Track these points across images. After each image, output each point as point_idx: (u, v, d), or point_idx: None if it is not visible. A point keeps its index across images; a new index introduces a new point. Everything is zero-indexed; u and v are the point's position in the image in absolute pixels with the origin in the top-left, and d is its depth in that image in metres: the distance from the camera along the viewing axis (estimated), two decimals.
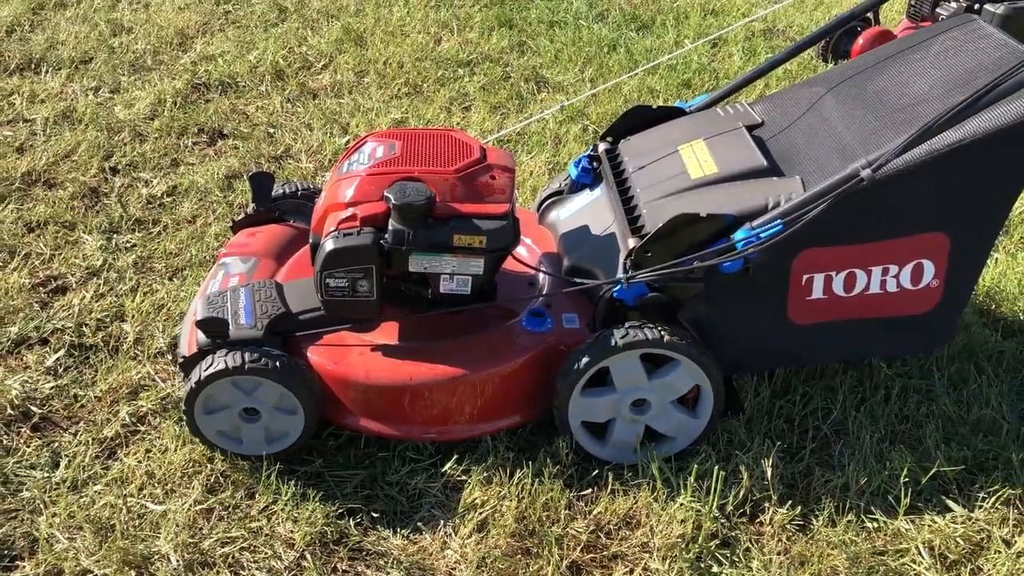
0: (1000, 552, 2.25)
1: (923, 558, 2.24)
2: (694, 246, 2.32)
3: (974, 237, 2.42)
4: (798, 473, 2.47)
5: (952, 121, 2.17)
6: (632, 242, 2.41)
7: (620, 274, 2.41)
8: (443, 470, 2.46)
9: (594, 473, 2.46)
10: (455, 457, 2.47)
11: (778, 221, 2.26)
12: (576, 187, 2.96)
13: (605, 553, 2.29)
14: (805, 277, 2.39)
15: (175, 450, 2.49)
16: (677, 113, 2.93)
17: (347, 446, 2.53)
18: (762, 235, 2.26)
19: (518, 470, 2.41)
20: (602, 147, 2.89)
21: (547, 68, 4.70)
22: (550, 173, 3.74)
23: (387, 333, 2.49)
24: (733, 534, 2.31)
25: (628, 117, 2.92)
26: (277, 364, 2.30)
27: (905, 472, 2.40)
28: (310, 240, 2.45)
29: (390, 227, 2.28)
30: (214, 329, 2.35)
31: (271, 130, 4.12)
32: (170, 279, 3.17)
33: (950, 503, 2.39)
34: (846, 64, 2.79)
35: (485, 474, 2.42)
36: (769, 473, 2.41)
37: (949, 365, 2.80)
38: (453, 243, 2.29)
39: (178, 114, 4.17)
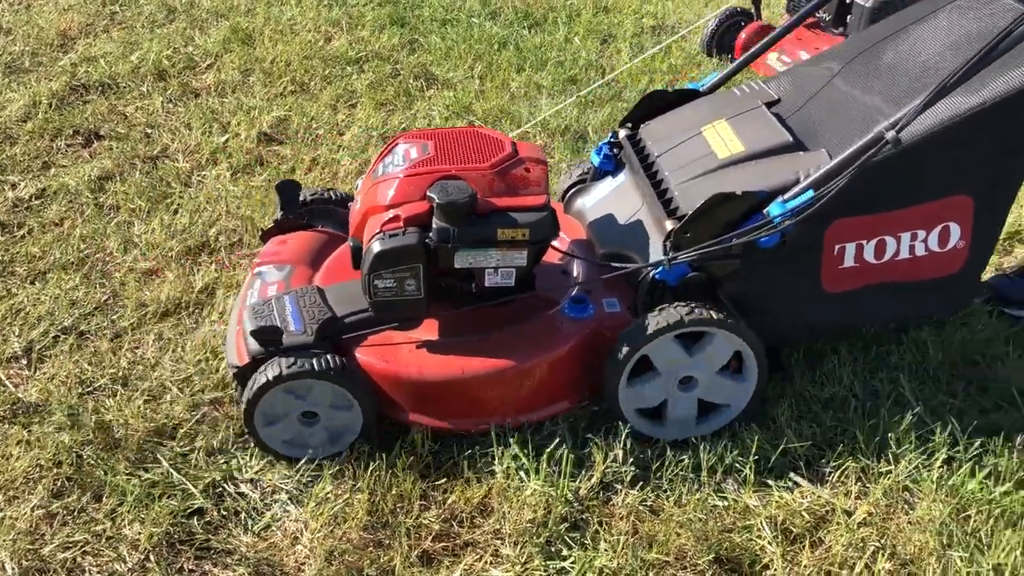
0: (841, 523, 2.31)
1: (767, 532, 2.29)
2: (730, 224, 2.37)
3: (996, 197, 2.51)
4: (653, 455, 2.50)
5: (967, 75, 2.22)
6: (670, 224, 2.45)
7: (657, 256, 2.46)
8: (297, 467, 2.43)
9: (449, 463, 2.46)
10: (309, 452, 2.45)
11: (809, 191, 2.31)
12: (599, 175, 2.98)
13: (457, 541, 2.29)
14: (837, 247, 2.47)
15: (18, 456, 2.42)
16: (692, 95, 2.97)
17: (197, 449, 2.50)
18: (794, 206, 2.31)
19: (372, 463, 2.40)
20: (623, 133, 2.94)
21: (437, 65, 4.69)
22: None
23: (430, 330, 2.52)
24: (584, 517, 2.33)
25: (645, 102, 2.95)
26: (333, 366, 2.31)
27: (755, 449, 2.45)
28: (350, 244, 2.49)
29: (434, 226, 2.32)
30: (269, 337, 2.35)
31: (149, 130, 4.04)
32: (31, 283, 3.08)
33: (798, 479, 2.45)
34: (855, 38, 2.84)
35: (338, 467, 2.40)
36: (621, 456, 2.44)
37: (806, 346, 2.87)
38: (497, 237, 2.33)
39: (53, 116, 4.07)
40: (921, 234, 2.49)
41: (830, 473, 2.45)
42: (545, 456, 2.40)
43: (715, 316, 2.36)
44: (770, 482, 2.43)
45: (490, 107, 4.24)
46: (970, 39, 2.44)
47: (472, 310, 2.49)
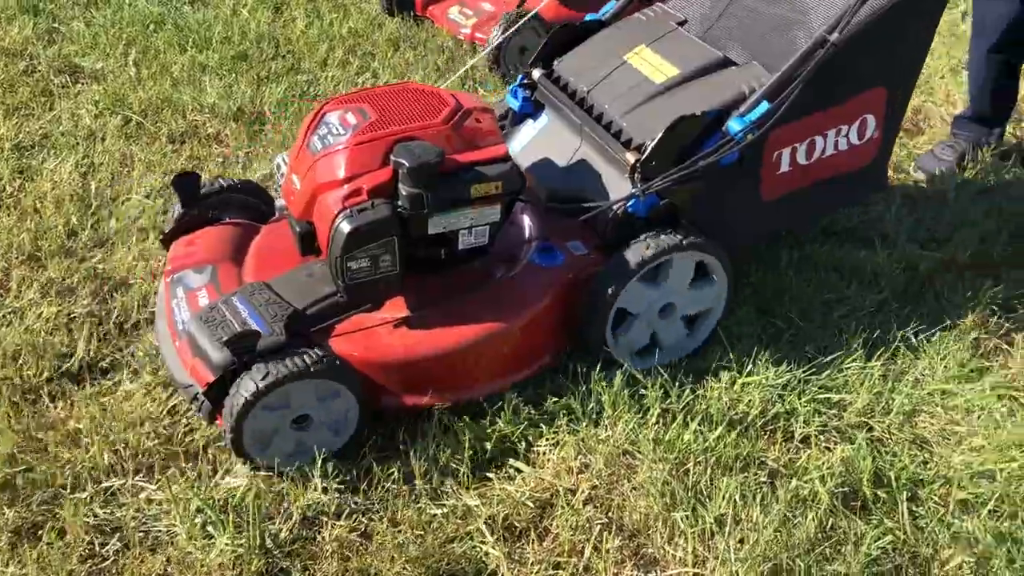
0: (565, 507, 2.16)
1: (488, 536, 2.09)
2: (686, 147, 2.39)
3: (903, 85, 2.71)
4: (361, 474, 2.23)
5: None
6: (630, 156, 2.41)
7: (618, 191, 2.46)
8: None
9: (116, 535, 2.06)
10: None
11: (763, 103, 2.36)
12: (518, 119, 2.86)
13: None
14: (775, 154, 2.52)
15: None
16: (596, 28, 2.90)
17: None
18: (754, 119, 2.34)
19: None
20: (537, 74, 2.83)
21: (83, 56, 4.07)
22: (83, 178, 3.21)
23: (397, 307, 2.33)
24: (285, 564, 2.03)
25: (553, 39, 2.86)
26: (323, 362, 2.10)
27: (469, 443, 2.25)
28: (296, 229, 2.30)
29: (403, 193, 2.17)
30: (247, 343, 2.08)
31: None
32: None
33: (519, 465, 2.27)
34: None
35: None
36: (320, 485, 2.15)
37: None
38: (471, 195, 2.22)
39: None
40: (844, 128, 2.61)
41: (549, 451, 2.30)
42: (231, 508, 2.07)
43: (681, 241, 2.39)
44: (490, 475, 2.24)
45: (148, 96, 3.72)
46: None
47: (433, 278, 2.36)
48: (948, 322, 2.73)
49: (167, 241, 2.58)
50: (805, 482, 2.21)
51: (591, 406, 2.37)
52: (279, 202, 2.54)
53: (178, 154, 3.42)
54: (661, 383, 2.40)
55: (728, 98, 2.46)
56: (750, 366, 2.49)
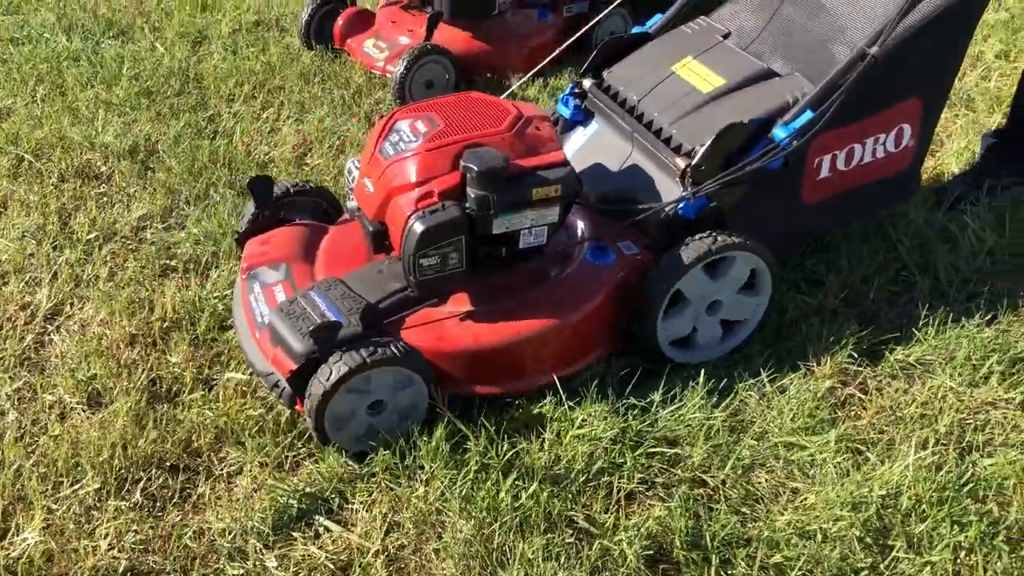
0: (360, 569, 2.10)
1: None
2: (733, 152, 2.52)
3: (937, 96, 2.84)
4: (165, 528, 2.17)
5: None
6: (680, 161, 2.57)
7: (668, 194, 2.61)
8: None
9: None
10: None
11: (807, 111, 2.50)
12: (569, 126, 2.99)
13: None
14: (816, 160, 2.66)
15: None
16: (644, 39, 3.04)
17: None
18: (798, 127, 2.48)
19: None
20: (587, 83, 2.98)
21: None
22: None
23: (461, 302, 2.49)
24: None
25: (603, 50, 2.98)
26: (397, 350, 2.25)
27: (271, 501, 2.19)
28: (369, 229, 2.44)
29: (471, 195, 2.31)
30: (329, 333, 2.24)
31: None
32: None
33: (328, 523, 2.21)
34: None
35: None
36: (109, 545, 2.10)
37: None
38: (532, 197, 2.36)
39: None
40: (882, 137, 2.73)
41: (362, 509, 2.24)
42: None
43: (737, 240, 2.52)
44: (295, 534, 2.19)
45: (44, 135, 3.72)
46: None
47: (492, 276, 2.51)
48: (805, 368, 2.64)
49: (242, 240, 2.75)
50: (614, 543, 2.13)
51: (409, 461, 2.31)
52: (350, 204, 2.66)
53: (61, 193, 3.41)
54: (487, 435, 2.34)
55: (773, 107, 2.61)
56: (583, 416, 2.42)
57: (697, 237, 2.51)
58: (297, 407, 2.33)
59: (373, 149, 2.47)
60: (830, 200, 2.78)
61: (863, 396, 2.58)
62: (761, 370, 2.62)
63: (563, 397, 2.46)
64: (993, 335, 2.71)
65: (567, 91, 3.03)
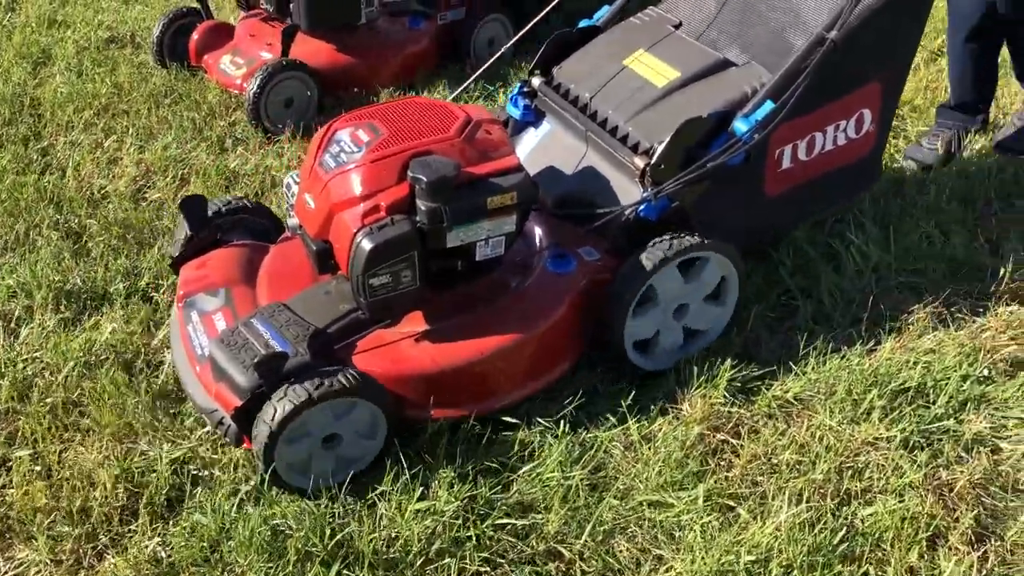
0: None
1: None
2: (692, 149, 2.42)
3: (896, 79, 2.78)
4: None
5: None
6: (639, 161, 2.45)
7: (627, 195, 2.49)
8: None
9: None
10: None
11: (768, 102, 2.41)
12: (519, 127, 2.85)
13: None
14: (778, 151, 2.57)
15: None
16: (593, 32, 2.90)
17: None
18: (760, 119, 2.39)
19: None
20: (536, 81, 2.84)
21: None
22: None
23: (415, 321, 2.33)
24: None
25: (552, 46, 2.84)
26: (350, 380, 2.07)
27: None
28: (313, 248, 2.27)
29: (421, 208, 2.17)
30: (275, 364, 2.06)
31: None
32: None
33: None
34: None
35: None
36: None
37: None
38: (488, 207, 2.21)
39: None
40: (843, 124, 2.66)
41: None
42: None
43: (704, 240, 2.41)
44: None
45: None
46: None
47: (448, 291, 2.36)
48: (675, 412, 2.42)
49: (177, 265, 2.56)
50: None
51: (223, 551, 2.02)
52: (291, 221, 2.48)
53: None
54: (312, 519, 2.06)
55: (731, 98, 2.50)
56: (422, 489, 2.15)
57: (663, 238, 2.41)
58: (245, 444, 2.16)
59: (313, 162, 2.30)
60: (793, 191, 2.69)
61: (736, 442, 2.36)
62: (628, 415, 2.40)
63: (404, 465, 2.19)
64: (875, 365, 2.52)
65: (515, 90, 2.87)
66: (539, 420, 2.38)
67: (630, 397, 2.44)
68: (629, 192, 2.53)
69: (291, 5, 3.90)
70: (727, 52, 2.68)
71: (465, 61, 4.27)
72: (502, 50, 3.44)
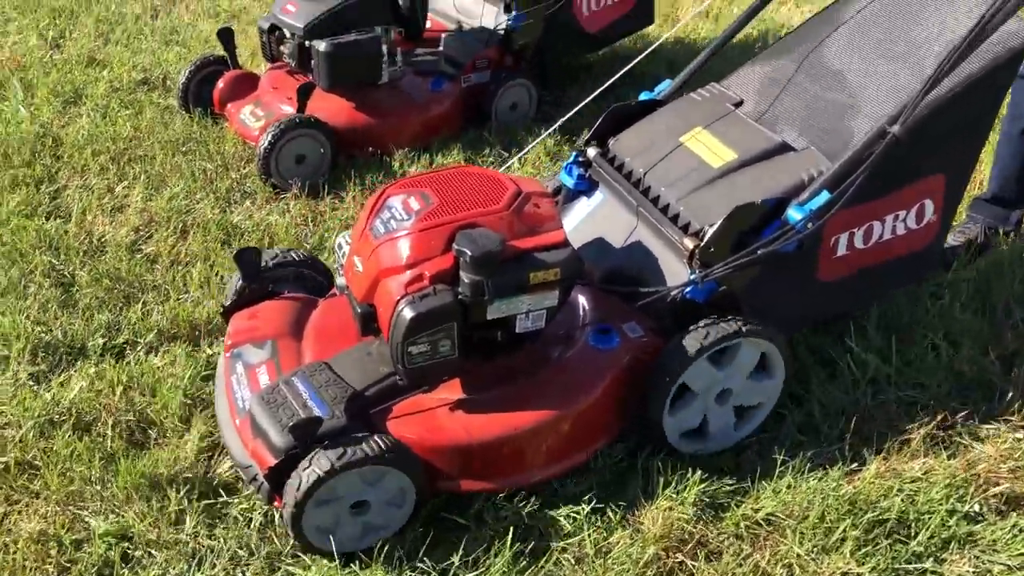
0: None
1: None
2: (744, 233, 2.38)
3: (962, 172, 2.69)
4: None
5: (954, 67, 2.33)
6: (689, 242, 2.42)
7: (675, 275, 2.47)
8: None
9: None
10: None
11: (824, 192, 2.36)
12: (571, 196, 2.86)
13: None
14: (833, 239, 2.52)
15: None
16: (652, 106, 2.90)
17: None
18: (815, 208, 2.33)
19: None
20: (592, 152, 2.84)
21: None
22: None
23: (453, 389, 2.33)
24: None
25: (609, 118, 2.85)
26: (383, 447, 2.09)
27: None
28: (358, 310, 2.32)
29: (465, 280, 2.17)
30: (310, 428, 2.09)
31: None
32: None
33: None
34: (797, 36, 2.86)
35: None
36: None
37: None
38: (530, 282, 2.22)
39: None
40: (902, 214, 2.61)
41: None
42: None
43: (741, 327, 2.36)
44: None
45: None
46: (935, 26, 2.58)
47: (487, 361, 2.36)
48: (635, 524, 2.30)
49: (228, 314, 2.60)
50: None
51: None
52: (339, 280, 2.52)
53: None
54: None
55: (787, 185, 2.46)
56: None
57: (699, 325, 2.35)
58: (276, 503, 2.18)
59: (364, 226, 2.33)
60: (848, 278, 2.64)
61: (693, 563, 2.22)
62: (586, 524, 2.28)
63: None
64: (855, 489, 2.36)
65: (571, 159, 2.87)
66: (489, 521, 2.28)
67: (591, 504, 2.33)
68: (677, 272, 2.50)
69: (312, 62, 3.91)
70: (786, 134, 2.65)
71: (486, 124, 4.23)
72: (578, 107, 3.44)
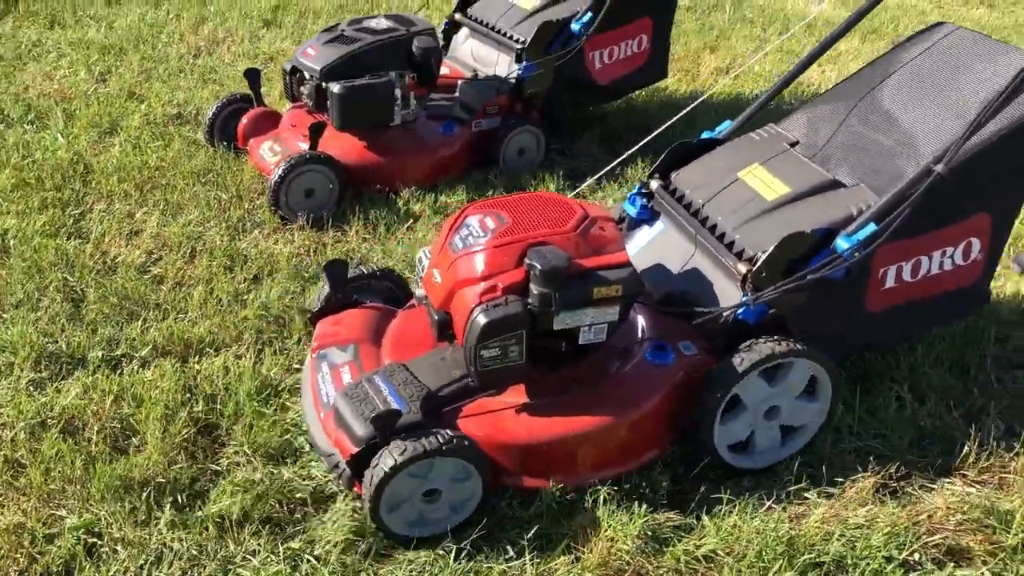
0: None
1: None
2: (794, 260, 2.57)
3: (1008, 212, 2.84)
4: None
5: (997, 111, 2.56)
6: (742, 267, 2.61)
7: (728, 298, 2.67)
8: None
9: None
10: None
11: (871, 224, 2.54)
12: (634, 224, 3.09)
13: None
14: (882, 271, 2.69)
15: None
16: (712, 144, 3.12)
17: None
18: (861, 239, 2.51)
19: None
20: (655, 184, 3.07)
21: None
22: None
23: (519, 394, 2.56)
24: None
25: (671, 154, 3.08)
26: (451, 441, 2.31)
27: None
28: (435, 318, 2.54)
29: (534, 291, 2.40)
30: (390, 420, 2.34)
31: None
32: None
33: None
34: (850, 83, 3.06)
35: None
36: None
37: None
38: (593, 296, 2.43)
39: None
40: (949, 251, 2.76)
41: None
42: None
43: (797, 347, 2.53)
44: None
45: None
46: (974, 77, 2.76)
47: (551, 370, 2.57)
48: (576, 554, 2.37)
49: (315, 320, 2.90)
50: None
51: None
52: (418, 292, 2.77)
53: None
54: None
55: (836, 217, 2.63)
56: None
57: (756, 342, 2.53)
58: (355, 488, 2.40)
59: (444, 242, 2.57)
60: (896, 309, 2.78)
61: None
62: (526, 550, 2.37)
63: None
64: (794, 533, 2.41)
65: (635, 190, 3.11)
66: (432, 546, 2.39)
67: (533, 530, 2.42)
68: (730, 295, 2.68)
69: (327, 103, 4.12)
70: (837, 173, 2.82)
71: (492, 168, 4.40)
72: (630, 151, 3.72)
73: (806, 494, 2.58)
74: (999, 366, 3.15)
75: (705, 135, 3.17)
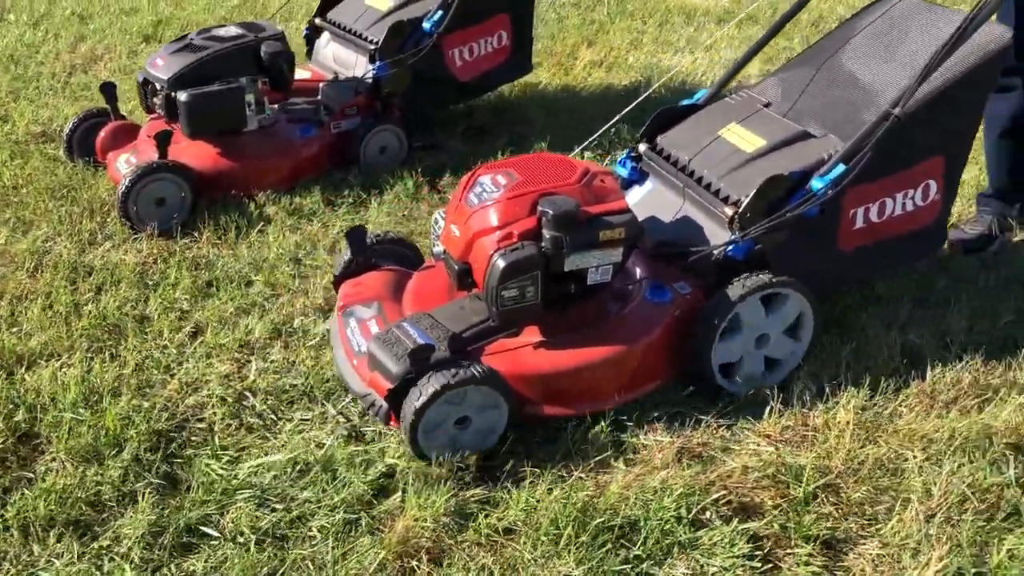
0: None
1: None
2: (774, 202, 2.87)
3: (959, 153, 3.16)
4: None
5: (944, 59, 2.82)
6: (729, 210, 2.90)
7: (717, 239, 2.96)
8: None
9: None
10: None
11: (839, 165, 2.86)
12: (626, 185, 3.36)
13: None
14: (851, 211, 2.98)
15: None
16: (693, 109, 3.45)
17: None
18: (833, 178, 2.83)
19: None
20: (643, 147, 3.39)
21: None
22: None
23: (534, 334, 2.83)
24: None
25: (656, 120, 3.40)
26: (481, 372, 2.56)
27: None
28: (456, 268, 2.79)
29: (547, 236, 2.66)
30: (424, 355, 2.57)
31: None
32: None
33: None
34: (813, 50, 3.43)
35: None
36: None
37: None
38: (600, 239, 2.70)
39: None
40: (911, 192, 3.06)
41: None
42: None
43: (792, 280, 2.86)
44: None
45: None
46: (927, 33, 3.12)
47: (562, 311, 2.82)
48: (378, 528, 2.42)
49: (338, 282, 3.17)
50: None
51: None
52: (436, 249, 3.04)
53: None
54: None
55: (810, 163, 2.96)
56: None
57: (754, 272, 2.84)
58: (391, 423, 2.66)
59: (459, 200, 2.83)
60: (865, 249, 3.08)
61: (428, 571, 2.35)
62: (331, 533, 2.41)
63: None
64: (589, 500, 2.49)
65: (624, 154, 3.41)
66: (246, 531, 2.42)
67: (338, 516, 2.47)
68: (719, 236, 2.98)
69: (178, 112, 4.14)
70: (808, 126, 3.14)
71: (352, 169, 4.45)
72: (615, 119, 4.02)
73: (613, 462, 2.66)
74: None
75: (685, 102, 3.50)
